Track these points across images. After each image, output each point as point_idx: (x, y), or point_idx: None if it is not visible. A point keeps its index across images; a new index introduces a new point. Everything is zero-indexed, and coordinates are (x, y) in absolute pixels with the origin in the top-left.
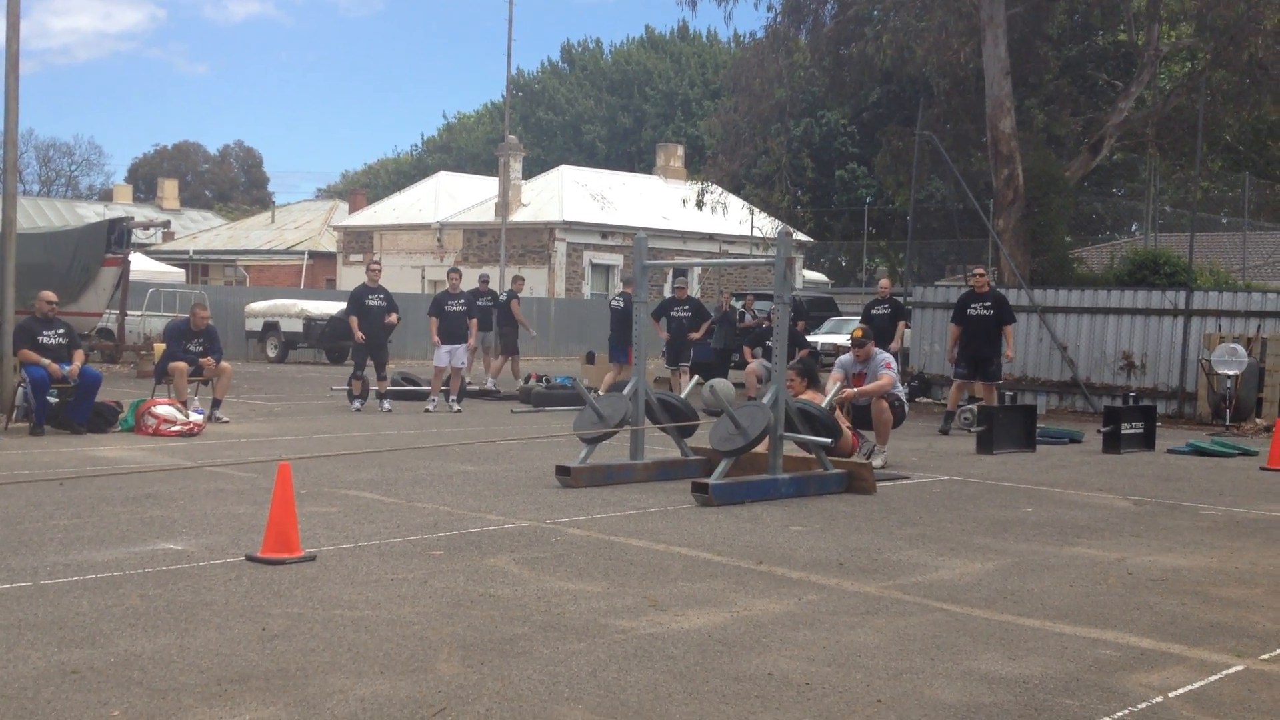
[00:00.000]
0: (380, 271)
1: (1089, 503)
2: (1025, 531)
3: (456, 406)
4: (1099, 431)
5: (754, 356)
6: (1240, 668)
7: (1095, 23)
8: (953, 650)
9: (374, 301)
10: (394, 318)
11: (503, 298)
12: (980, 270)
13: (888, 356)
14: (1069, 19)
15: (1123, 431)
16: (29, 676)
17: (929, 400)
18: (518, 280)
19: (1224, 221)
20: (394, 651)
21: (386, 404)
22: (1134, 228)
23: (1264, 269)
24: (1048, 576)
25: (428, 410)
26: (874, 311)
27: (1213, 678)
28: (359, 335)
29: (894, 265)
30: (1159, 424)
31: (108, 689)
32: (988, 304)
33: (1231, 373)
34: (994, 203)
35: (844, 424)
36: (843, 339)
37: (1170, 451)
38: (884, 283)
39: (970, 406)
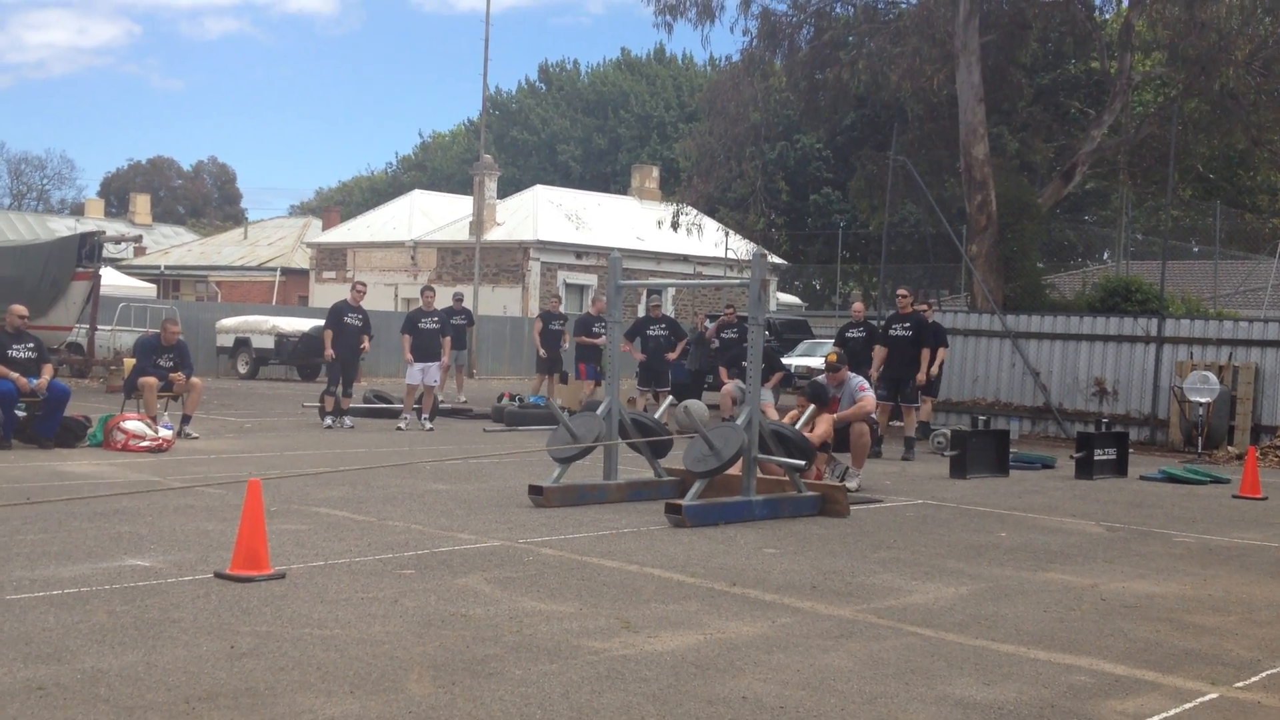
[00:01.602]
0: (364, 293)
1: (1062, 528)
2: (999, 556)
3: (429, 425)
4: (1072, 457)
5: (730, 378)
6: (1215, 695)
7: (1068, 51)
8: (927, 675)
9: (352, 320)
10: (366, 344)
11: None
12: (903, 292)
13: (862, 380)
14: (1042, 47)
15: (1095, 458)
16: None
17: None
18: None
19: (1195, 250)
20: (364, 671)
21: (349, 421)
22: (1106, 255)
23: (1235, 297)
24: (1021, 602)
25: (400, 428)
26: (849, 335)
27: (1187, 705)
28: (329, 352)
29: (868, 289)
30: (1131, 450)
31: (74, 706)
32: (907, 325)
33: (1203, 400)
34: (967, 228)
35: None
36: (816, 361)
37: (1143, 478)
38: (858, 306)
39: (944, 430)
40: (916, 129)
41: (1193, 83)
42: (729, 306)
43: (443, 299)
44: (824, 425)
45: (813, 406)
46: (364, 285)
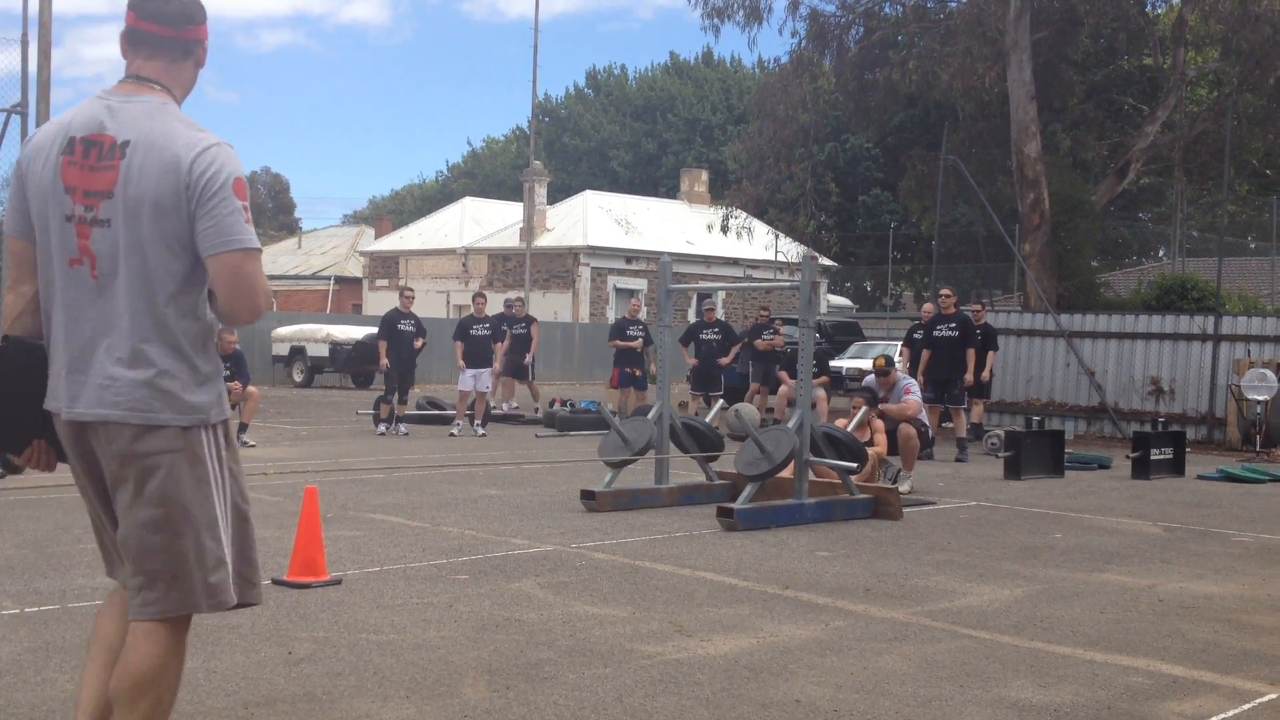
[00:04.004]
0: (413, 299)
1: (1118, 529)
2: (1054, 558)
3: (481, 430)
4: (1128, 457)
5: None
6: (1274, 696)
7: (1120, 47)
8: (982, 678)
9: (405, 327)
10: (420, 342)
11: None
12: (946, 291)
13: (910, 381)
14: (1094, 44)
15: (1152, 457)
16: (57, 700)
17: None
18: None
19: (1252, 246)
20: (420, 676)
21: (403, 428)
22: (1161, 252)
23: None
24: (1077, 603)
25: (452, 434)
26: (916, 336)
27: (1246, 706)
28: (384, 362)
29: (919, 290)
30: (1188, 450)
31: None
32: (953, 325)
33: (1261, 398)
34: (1019, 227)
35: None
36: (867, 364)
37: (1200, 478)
38: (928, 307)
39: (998, 431)
40: (967, 128)
41: (1247, 77)
42: (763, 309)
43: (494, 305)
44: (880, 436)
45: (864, 409)
46: (411, 291)
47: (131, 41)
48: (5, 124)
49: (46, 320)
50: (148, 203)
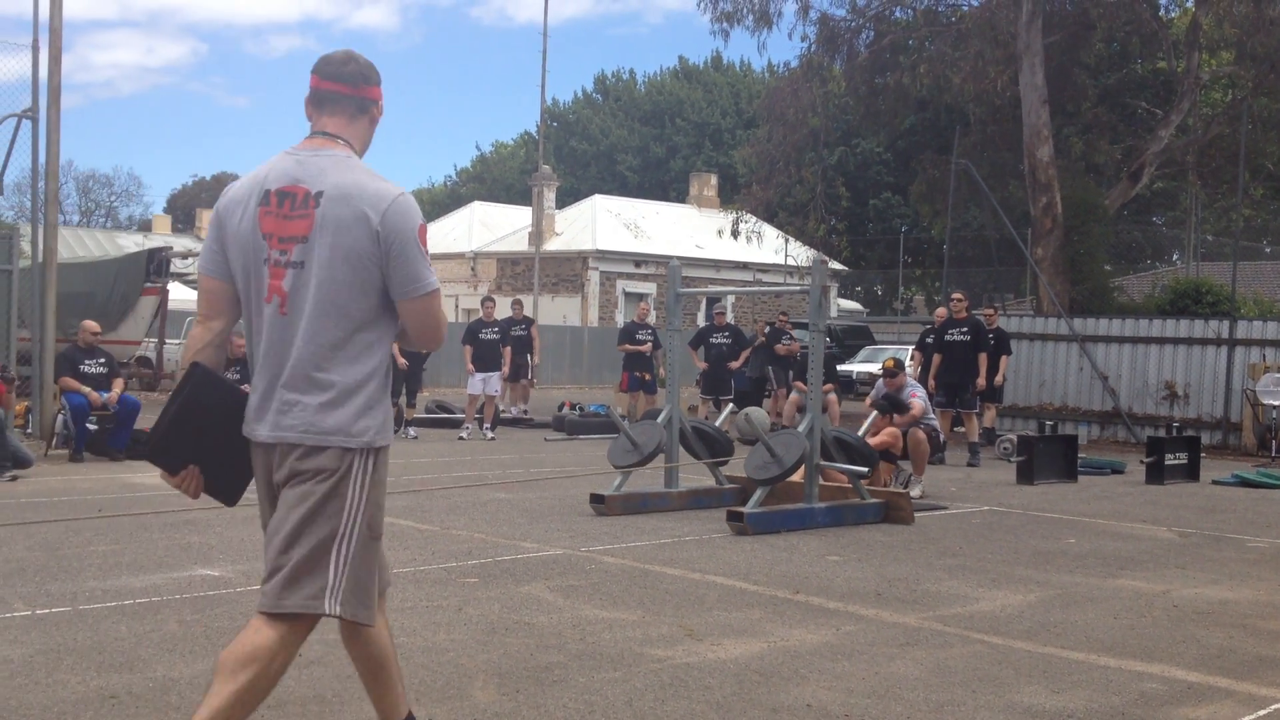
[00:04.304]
0: None
1: (1132, 534)
2: (1067, 563)
3: (490, 434)
4: (1142, 462)
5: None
6: None
7: (1134, 51)
8: (994, 683)
9: None
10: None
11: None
12: (958, 295)
13: (916, 385)
14: (1107, 47)
15: (1166, 462)
16: (68, 701)
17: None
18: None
19: (1267, 250)
20: (429, 679)
21: (412, 431)
22: (1175, 257)
23: None
24: (1091, 609)
25: (462, 438)
26: (928, 341)
27: (1261, 712)
28: (402, 362)
29: (930, 294)
30: (1203, 455)
31: (146, 714)
32: (965, 330)
33: (1277, 403)
34: (1032, 231)
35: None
36: (877, 368)
37: (1215, 483)
38: (941, 311)
39: (1011, 436)
40: (979, 132)
41: (1262, 80)
42: (782, 314)
43: (501, 309)
44: (890, 435)
45: (875, 414)
46: None
47: (315, 101)
48: (16, 129)
49: (251, 355)
50: (341, 250)
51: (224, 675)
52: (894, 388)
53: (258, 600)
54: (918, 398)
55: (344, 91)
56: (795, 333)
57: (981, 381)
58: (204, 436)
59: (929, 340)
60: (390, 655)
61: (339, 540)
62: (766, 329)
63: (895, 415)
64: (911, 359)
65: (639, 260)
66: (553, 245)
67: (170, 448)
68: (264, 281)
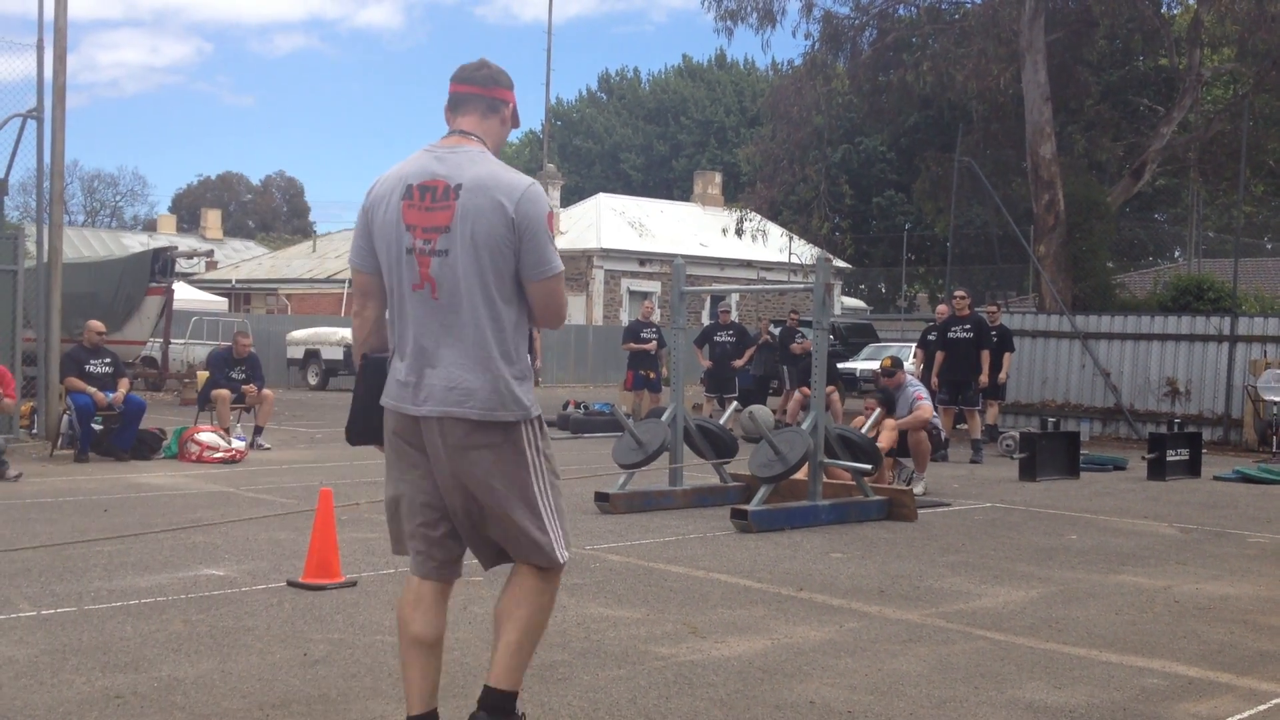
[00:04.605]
0: None
1: (1134, 530)
2: (1069, 559)
3: None
4: (1144, 458)
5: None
6: None
7: (1136, 48)
8: (997, 679)
9: None
10: None
11: None
12: (961, 293)
13: (919, 388)
14: (1109, 44)
15: (1168, 458)
16: (73, 701)
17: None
18: None
19: (1269, 246)
20: None
21: None
22: (1177, 253)
23: None
24: (1093, 604)
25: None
26: (930, 338)
27: (1262, 707)
28: None
29: (934, 292)
30: (1204, 451)
31: (151, 714)
32: (967, 327)
33: (1278, 399)
34: (1034, 228)
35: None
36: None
37: (1216, 479)
38: (942, 309)
39: (1013, 432)
40: (982, 129)
41: (1264, 77)
42: (793, 312)
43: None
44: (889, 433)
45: (878, 411)
46: None
47: (451, 104)
48: (21, 128)
49: (393, 324)
50: (481, 236)
51: (504, 618)
52: (893, 386)
53: (485, 560)
54: (923, 399)
55: (476, 92)
56: (802, 330)
57: (984, 378)
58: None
59: (931, 338)
60: (526, 600)
61: (539, 500)
62: (771, 327)
63: (888, 412)
64: (914, 356)
65: (643, 259)
66: (558, 244)
67: (363, 431)
68: (413, 270)
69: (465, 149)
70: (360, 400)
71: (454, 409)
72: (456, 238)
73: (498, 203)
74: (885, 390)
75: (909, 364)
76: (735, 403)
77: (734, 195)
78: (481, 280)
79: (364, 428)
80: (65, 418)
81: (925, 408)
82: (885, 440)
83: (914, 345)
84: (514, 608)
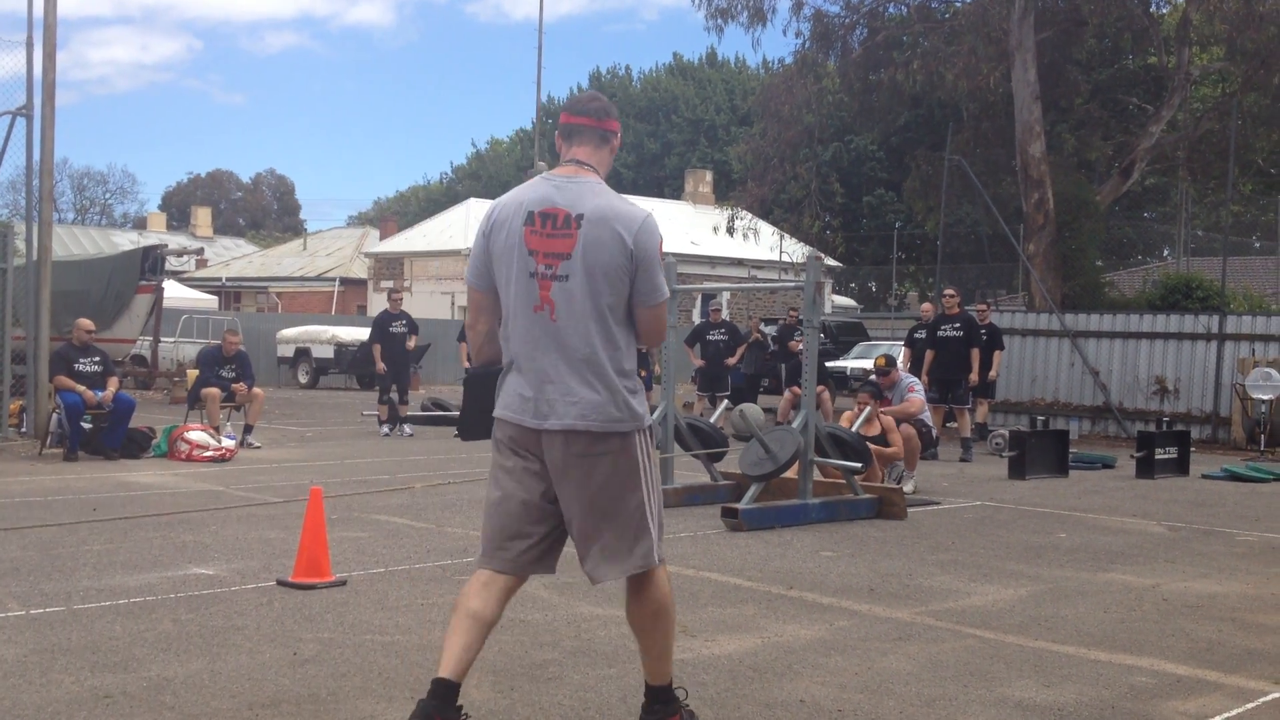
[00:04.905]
0: (401, 300)
1: (1123, 528)
2: (1058, 557)
3: None
4: (1132, 457)
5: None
6: (1278, 694)
7: (1125, 47)
8: (986, 677)
9: (397, 328)
10: (412, 342)
11: None
12: (950, 291)
13: (913, 380)
14: (1098, 43)
15: (1156, 457)
16: (62, 701)
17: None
18: None
19: (1257, 245)
20: (424, 677)
21: (408, 429)
22: (1166, 252)
23: None
24: (1082, 603)
25: (457, 435)
26: (917, 336)
27: (1250, 705)
28: (381, 366)
29: (924, 290)
30: (1193, 449)
31: (140, 713)
32: (957, 325)
33: (1266, 397)
34: (1024, 227)
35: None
36: (870, 364)
37: (1205, 477)
38: (926, 307)
39: (1002, 431)
40: (972, 128)
41: (1252, 76)
42: (792, 309)
43: None
44: (893, 432)
45: (868, 408)
46: (399, 293)
47: (565, 134)
48: (11, 126)
49: (508, 341)
50: (601, 265)
51: (646, 632)
52: (887, 386)
53: (588, 569)
54: (915, 392)
55: (590, 124)
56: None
57: (974, 377)
58: (489, 413)
59: (918, 335)
60: (664, 610)
61: (646, 503)
62: (762, 326)
63: (887, 409)
64: (902, 356)
65: None
66: None
67: (474, 431)
68: (534, 292)
69: (583, 179)
70: (469, 410)
71: (577, 422)
72: (577, 265)
73: (617, 234)
74: (870, 381)
75: (898, 363)
76: (727, 401)
77: (725, 193)
78: (597, 305)
79: (476, 430)
80: (54, 416)
81: (916, 400)
82: (893, 444)
83: (902, 344)
84: (650, 621)
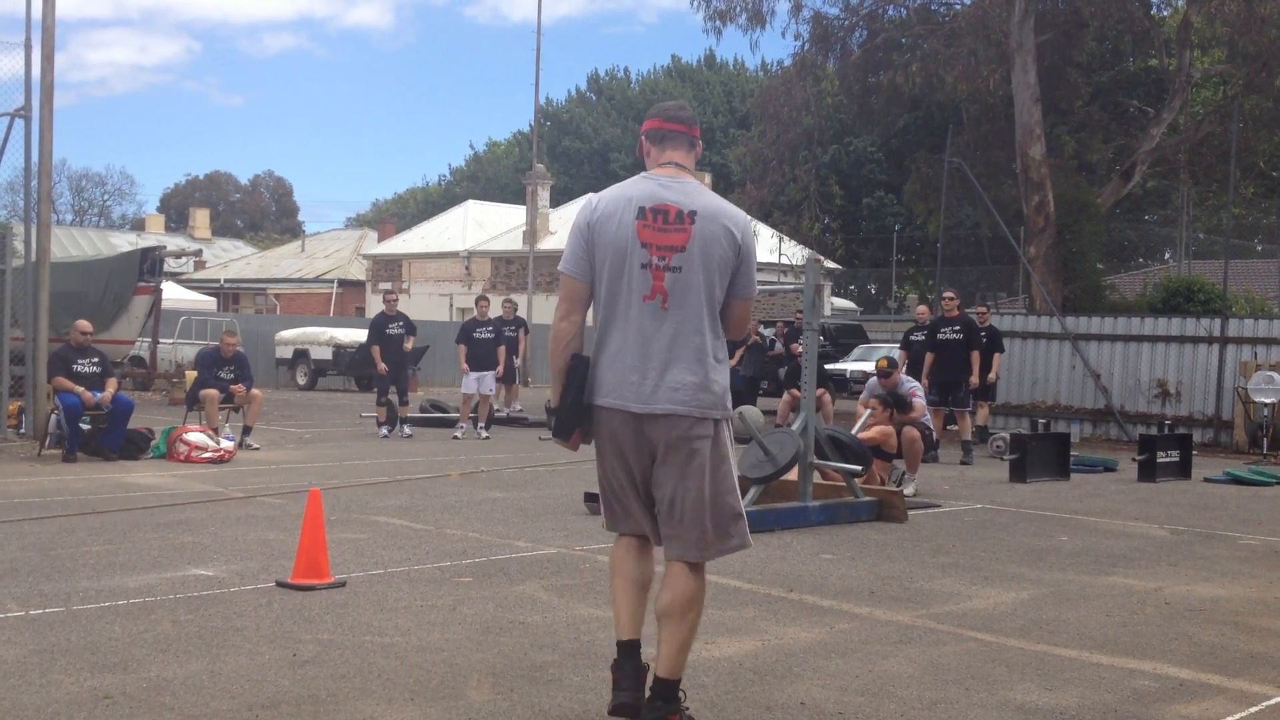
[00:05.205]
0: (397, 301)
1: (1125, 531)
2: (1060, 560)
3: (485, 434)
4: (1134, 460)
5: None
6: None
7: (1126, 49)
8: (987, 680)
9: (394, 330)
10: (410, 343)
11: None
12: (949, 294)
13: (914, 384)
14: (1099, 45)
15: (1158, 460)
16: (62, 701)
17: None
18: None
19: (1258, 248)
20: (424, 678)
21: (407, 429)
22: (1167, 255)
23: None
24: (1083, 606)
25: (456, 437)
26: (913, 338)
27: (1253, 709)
28: (381, 366)
29: (924, 293)
30: (1195, 452)
31: (140, 714)
32: (956, 328)
33: (1268, 400)
34: (1025, 230)
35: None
36: (870, 366)
37: (1207, 480)
38: (922, 309)
39: (1003, 434)
40: (972, 130)
41: (1253, 79)
42: (798, 312)
43: (495, 308)
44: (880, 432)
45: (868, 412)
46: (394, 294)
47: (657, 139)
48: (9, 128)
49: (605, 339)
50: (713, 258)
51: (674, 620)
52: (889, 387)
53: (677, 552)
54: (917, 396)
55: (682, 130)
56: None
57: (974, 379)
58: (584, 405)
59: (914, 338)
60: (693, 602)
61: (734, 489)
62: (760, 328)
63: (896, 412)
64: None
65: None
66: (547, 244)
67: (571, 424)
68: (646, 282)
69: (686, 180)
70: (570, 396)
71: (678, 407)
72: (692, 257)
73: (728, 230)
74: (892, 392)
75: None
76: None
77: (724, 195)
78: (708, 294)
79: (571, 423)
80: (53, 417)
81: (917, 404)
82: (874, 435)
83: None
84: (685, 609)
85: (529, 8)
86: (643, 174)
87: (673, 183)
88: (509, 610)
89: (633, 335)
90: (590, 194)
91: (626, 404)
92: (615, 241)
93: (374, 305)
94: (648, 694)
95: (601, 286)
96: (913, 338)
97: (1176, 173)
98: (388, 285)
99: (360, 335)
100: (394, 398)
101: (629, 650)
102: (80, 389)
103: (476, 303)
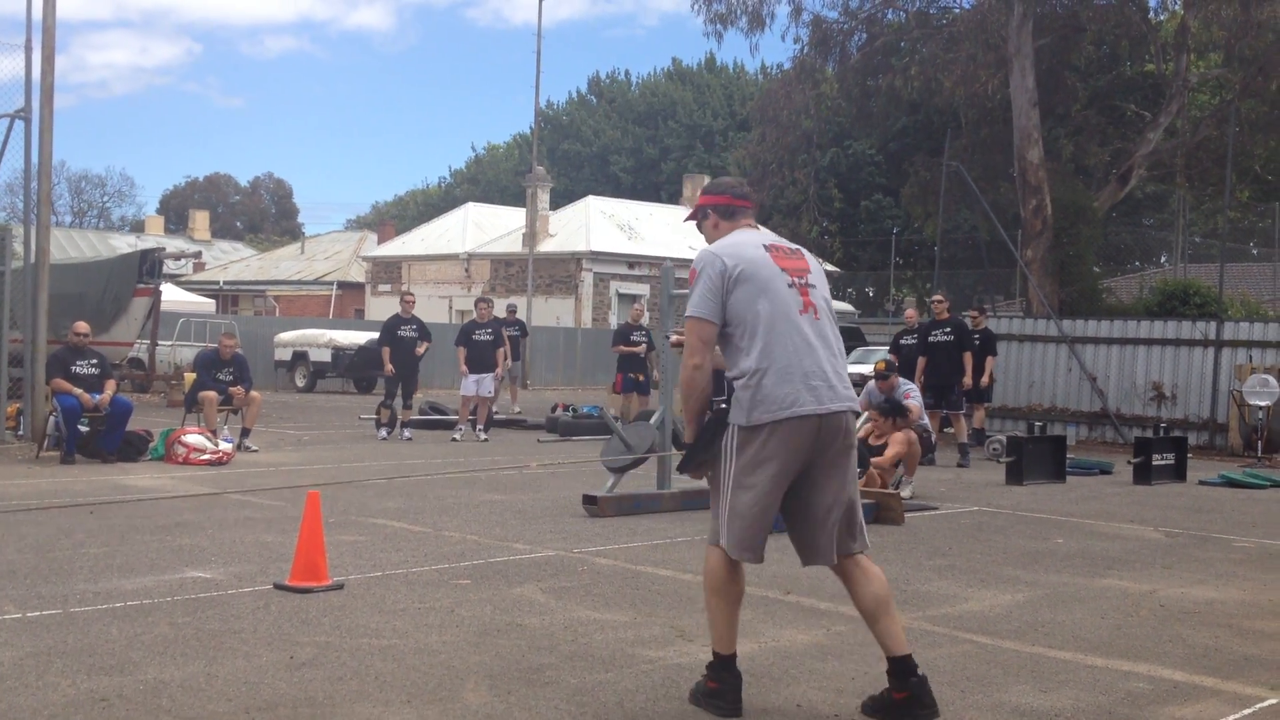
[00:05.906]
0: (414, 303)
1: (1120, 534)
2: (1055, 563)
3: (484, 436)
4: (1129, 463)
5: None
6: (1275, 701)
7: (1123, 53)
8: (983, 683)
9: (406, 332)
10: (422, 347)
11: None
12: (938, 297)
13: (911, 387)
14: (1096, 50)
15: (1153, 463)
16: (58, 704)
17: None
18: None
19: (1254, 252)
20: (421, 681)
21: (407, 433)
22: (1163, 258)
23: None
24: (1078, 608)
25: (455, 439)
26: (903, 341)
27: (1246, 711)
28: (389, 368)
29: (921, 296)
30: (1190, 455)
31: (137, 717)
32: (948, 330)
33: (1263, 404)
34: (1022, 233)
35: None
36: (869, 369)
37: (1202, 483)
38: (910, 313)
39: (1000, 436)
40: (970, 134)
41: (1250, 83)
42: None
43: (496, 310)
44: (898, 445)
45: (865, 415)
46: (412, 295)
47: (727, 214)
48: (9, 129)
49: (770, 357)
50: (821, 282)
51: (883, 610)
52: (886, 390)
53: (845, 548)
54: (913, 398)
55: (750, 207)
56: None
57: (968, 381)
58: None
59: (903, 341)
60: (889, 590)
61: (854, 480)
62: None
63: (897, 419)
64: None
65: (632, 261)
66: (546, 246)
67: (704, 465)
68: (798, 299)
69: (766, 230)
70: (704, 440)
71: (850, 404)
72: (818, 276)
73: (818, 263)
74: (891, 401)
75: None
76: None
77: None
78: (830, 309)
79: (706, 463)
80: (51, 419)
81: (914, 407)
82: (892, 453)
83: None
84: (885, 595)
85: (530, 10)
86: (735, 231)
87: (765, 233)
88: (507, 612)
89: (802, 345)
90: (704, 249)
91: (820, 406)
92: (764, 269)
93: (374, 307)
94: (890, 678)
95: (753, 314)
96: (902, 341)
97: (1173, 176)
98: (387, 286)
99: (359, 337)
100: (397, 401)
101: (730, 663)
102: (79, 391)
103: (476, 305)
